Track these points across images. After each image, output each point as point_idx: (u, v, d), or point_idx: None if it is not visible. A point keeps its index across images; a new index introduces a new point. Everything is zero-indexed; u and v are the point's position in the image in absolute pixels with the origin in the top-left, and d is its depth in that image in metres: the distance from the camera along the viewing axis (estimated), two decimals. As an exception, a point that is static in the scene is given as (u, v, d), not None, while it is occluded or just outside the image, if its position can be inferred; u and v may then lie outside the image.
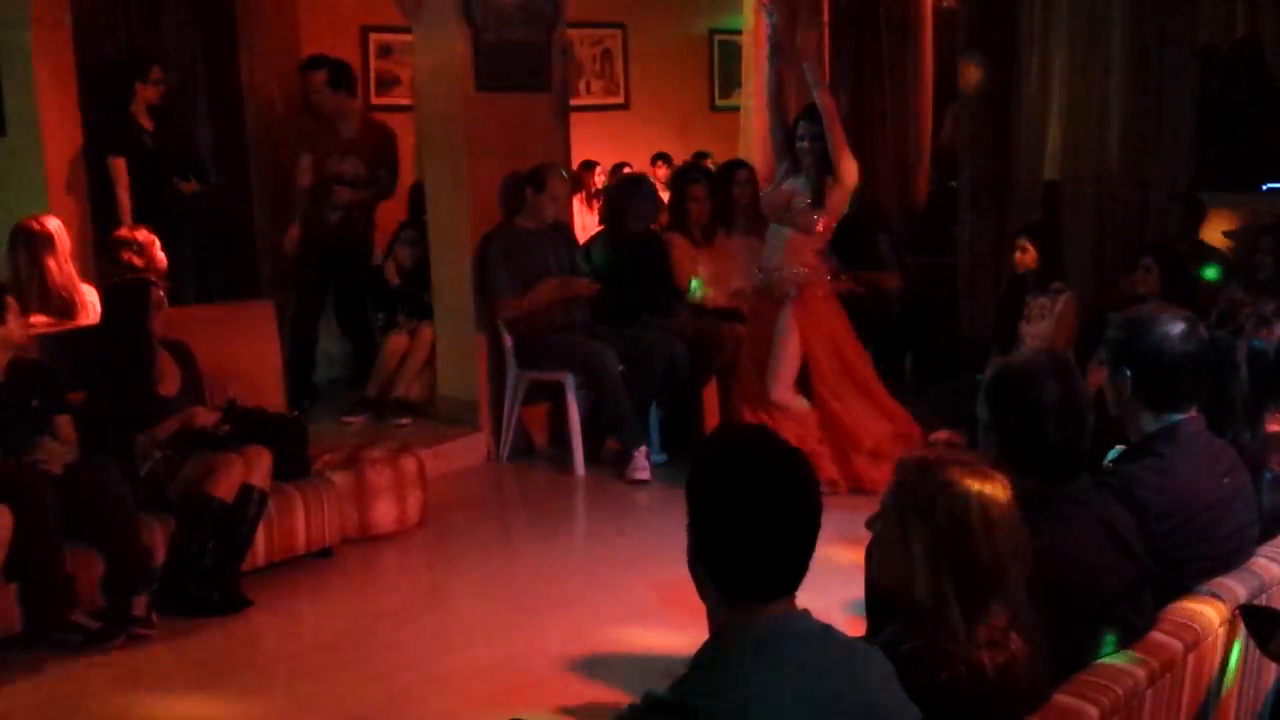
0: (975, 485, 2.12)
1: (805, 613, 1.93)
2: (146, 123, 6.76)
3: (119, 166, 6.65)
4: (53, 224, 5.68)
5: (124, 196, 6.64)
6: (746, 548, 1.89)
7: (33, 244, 5.55)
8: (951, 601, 2.09)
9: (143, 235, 5.79)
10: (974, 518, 2.10)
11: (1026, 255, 6.24)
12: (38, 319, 5.45)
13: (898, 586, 2.16)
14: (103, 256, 5.98)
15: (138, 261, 5.66)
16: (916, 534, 2.12)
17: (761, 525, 1.88)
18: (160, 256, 5.75)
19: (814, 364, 5.99)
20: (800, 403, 5.99)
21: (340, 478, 5.35)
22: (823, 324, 6.03)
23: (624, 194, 7.13)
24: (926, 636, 2.08)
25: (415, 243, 7.42)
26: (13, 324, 4.58)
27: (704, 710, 1.81)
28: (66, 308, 5.58)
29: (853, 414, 5.98)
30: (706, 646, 1.91)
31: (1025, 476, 2.49)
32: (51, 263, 5.58)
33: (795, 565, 1.91)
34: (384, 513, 5.52)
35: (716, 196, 7.14)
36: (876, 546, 2.20)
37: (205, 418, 4.93)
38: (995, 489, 2.13)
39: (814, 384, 6.00)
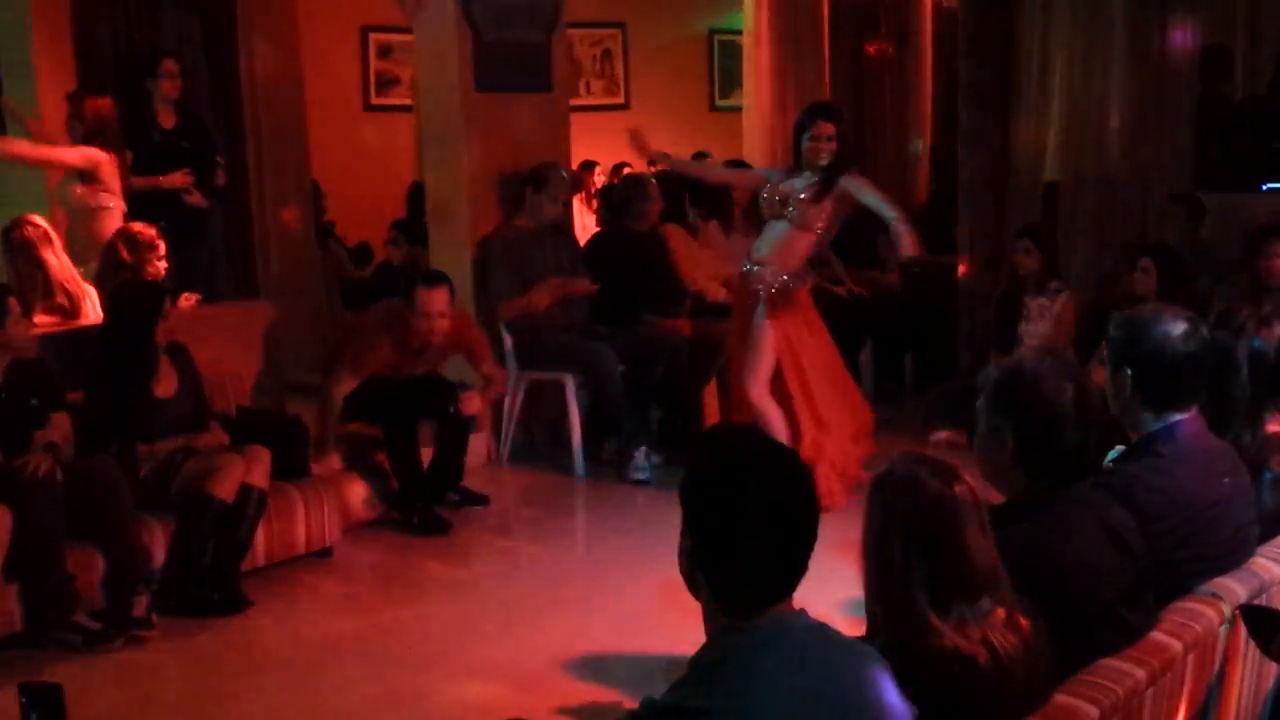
0: (944, 485, 2.13)
1: (802, 612, 1.93)
2: (166, 120, 6.69)
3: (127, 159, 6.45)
4: (43, 221, 5.69)
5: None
6: (743, 553, 1.88)
7: (30, 242, 5.55)
8: (935, 601, 2.09)
9: (148, 236, 5.79)
10: (946, 517, 2.11)
11: (1029, 257, 6.25)
12: (43, 319, 5.45)
13: (885, 588, 2.16)
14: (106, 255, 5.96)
15: (126, 256, 5.64)
16: (894, 536, 2.13)
17: (758, 530, 1.86)
18: (158, 264, 5.72)
19: (786, 371, 5.70)
20: (776, 412, 5.66)
21: (340, 477, 5.36)
22: (797, 330, 5.74)
23: (624, 194, 7.15)
24: (920, 636, 2.09)
25: (396, 243, 7.50)
26: (10, 327, 4.57)
27: (703, 713, 1.80)
28: (72, 304, 5.58)
29: (822, 421, 5.73)
30: (704, 649, 1.90)
31: (1038, 479, 2.49)
32: (51, 258, 5.59)
33: (793, 569, 1.90)
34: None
35: (716, 196, 7.19)
36: (861, 550, 2.21)
37: (213, 439, 4.93)
38: (963, 488, 2.14)
39: (788, 389, 5.72)
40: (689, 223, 7.28)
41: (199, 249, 6.75)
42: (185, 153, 6.67)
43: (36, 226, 5.62)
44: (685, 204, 7.38)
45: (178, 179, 6.55)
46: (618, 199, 7.15)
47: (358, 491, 5.58)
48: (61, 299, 5.59)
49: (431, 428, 5.78)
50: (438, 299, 5.51)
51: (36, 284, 5.52)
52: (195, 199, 6.61)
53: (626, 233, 6.83)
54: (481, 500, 5.89)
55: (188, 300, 6.05)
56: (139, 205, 6.39)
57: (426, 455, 5.74)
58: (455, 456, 5.81)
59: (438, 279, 5.62)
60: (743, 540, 1.87)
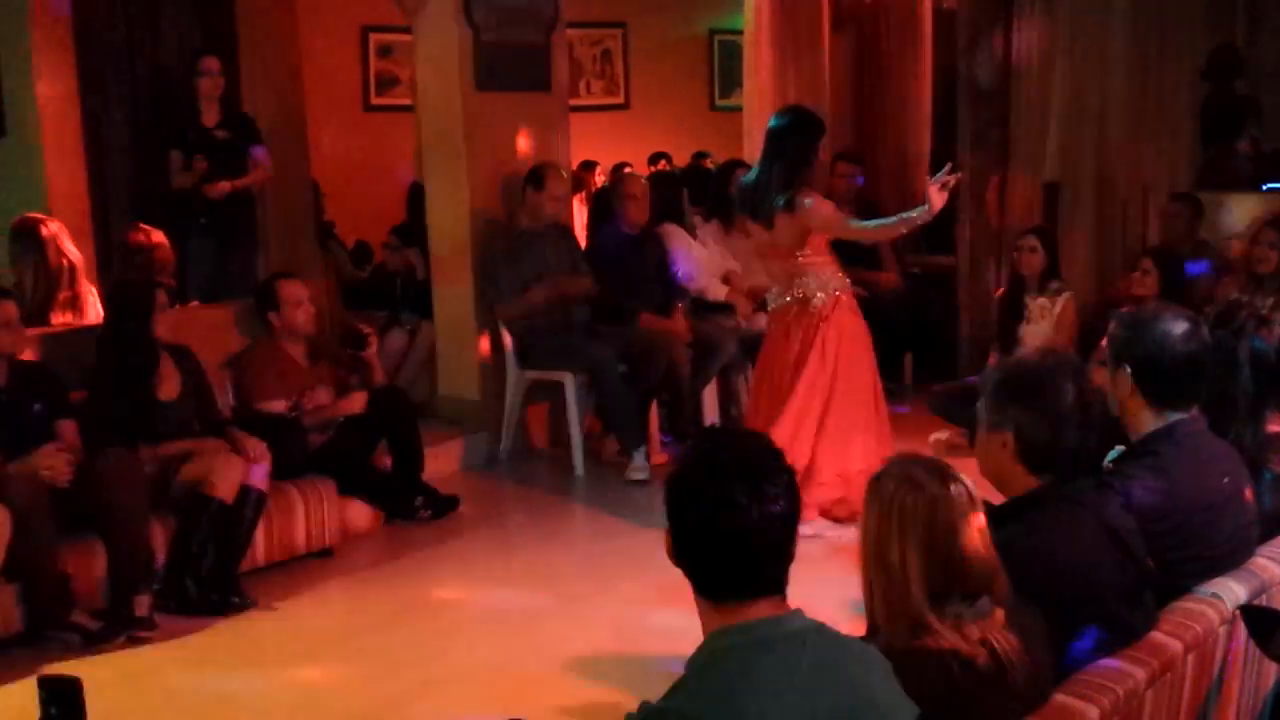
0: (940, 485, 2.14)
1: (798, 612, 1.93)
2: (209, 118, 6.68)
3: (173, 159, 6.58)
4: (54, 220, 5.69)
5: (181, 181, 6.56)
6: (716, 555, 1.90)
7: (49, 240, 5.54)
8: (933, 601, 2.09)
9: (154, 236, 5.78)
10: (943, 517, 2.11)
11: (1034, 255, 6.25)
12: (60, 318, 5.45)
13: (883, 588, 2.16)
14: (115, 254, 5.98)
15: (133, 255, 5.69)
16: (892, 536, 2.13)
17: (728, 535, 1.88)
18: (160, 260, 5.74)
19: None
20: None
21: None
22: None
23: (607, 194, 7.19)
24: (919, 636, 2.09)
25: (395, 248, 7.51)
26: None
27: (700, 715, 1.80)
28: (78, 302, 5.56)
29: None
30: (699, 652, 1.91)
31: (1038, 478, 2.50)
32: (64, 255, 5.59)
33: (770, 571, 1.92)
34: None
35: (717, 195, 7.20)
36: (859, 551, 2.22)
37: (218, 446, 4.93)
38: (959, 488, 2.14)
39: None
40: (687, 222, 7.30)
41: (232, 254, 6.76)
42: (219, 144, 6.63)
43: (49, 224, 5.62)
44: (684, 203, 7.39)
45: (220, 187, 6.50)
46: (604, 199, 7.19)
47: (357, 507, 5.54)
48: (68, 299, 5.58)
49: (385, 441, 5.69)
50: (296, 287, 5.52)
51: (43, 283, 5.51)
52: (212, 191, 6.52)
53: (623, 232, 6.84)
54: (452, 504, 5.79)
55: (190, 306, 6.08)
56: (178, 207, 6.45)
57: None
58: (411, 459, 5.70)
59: (288, 274, 5.74)
60: (713, 542, 1.90)
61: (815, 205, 5.19)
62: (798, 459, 5.16)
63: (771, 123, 5.38)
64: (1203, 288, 6.08)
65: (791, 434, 5.17)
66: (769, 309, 5.54)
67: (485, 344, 6.67)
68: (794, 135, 5.26)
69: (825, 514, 5.31)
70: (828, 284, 5.31)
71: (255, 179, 6.71)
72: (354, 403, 5.47)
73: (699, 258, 7.03)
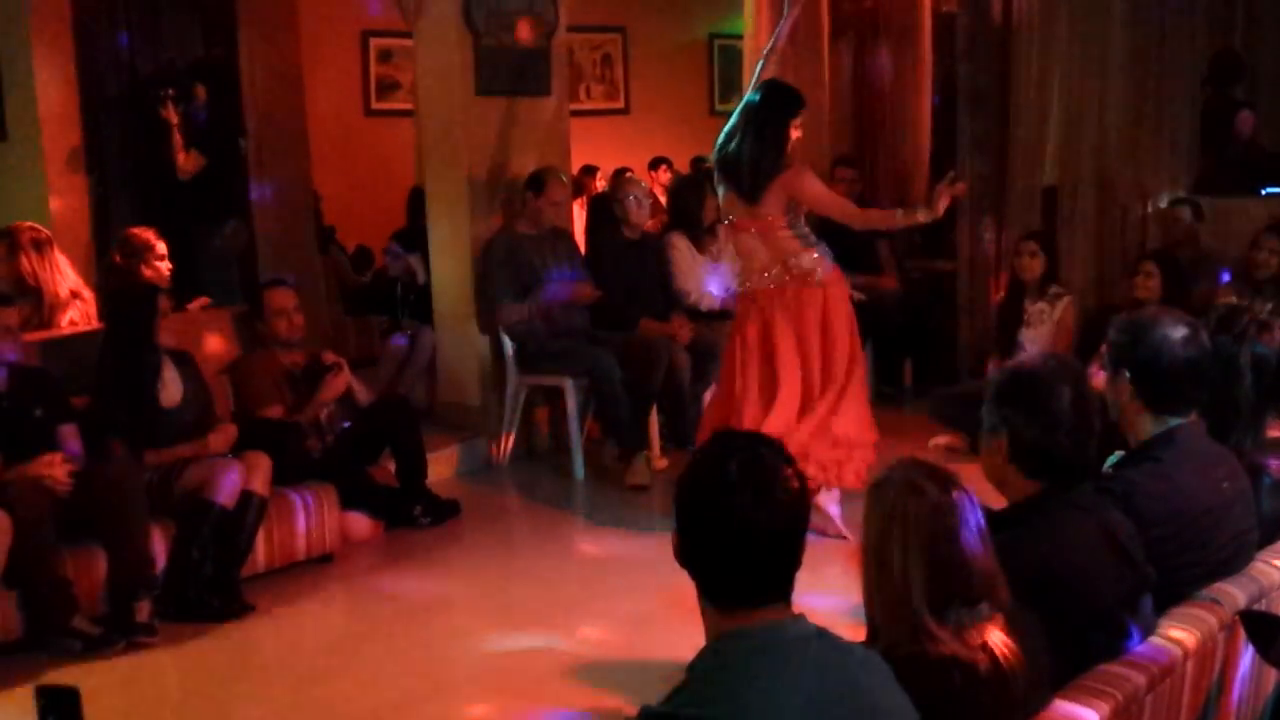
0: (941, 491, 2.14)
1: (800, 617, 1.93)
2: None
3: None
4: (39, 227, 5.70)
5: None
6: (724, 559, 1.91)
7: (41, 245, 5.54)
8: (933, 607, 2.10)
9: (144, 239, 5.79)
10: (944, 523, 2.12)
11: (1035, 259, 6.25)
12: (70, 319, 5.46)
13: (883, 593, 2.17)
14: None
15: (120, 260, 5.71)
16: (892, 541, 2.13)
17: (736, 539, 1.89)
18: (158, 265, 5.75)
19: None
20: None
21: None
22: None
23: (606, 200, 7.17)
24: (918, 642, 2.09)
25: (396, 253, 7.53)
26: None
27: (700, 719, 1.81)
28: (54, 303, 5.56)
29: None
30: (701, 655, 1.91)
31: (1034, 481, 2.50)
32: (60, 260, 5.60)
33: (777, 577, 1.92)
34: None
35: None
36: (860, 556, 2.22)
37: (218, 444, 4.92)
38: (960, 493, 2.15)
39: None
40: (699, 230, 7.13)
41: (211, 259, 6.79)
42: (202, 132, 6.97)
43: (38, 229, 5.63)
44: (704, 208, 7.15)
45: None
46: (604, 204, 7.16)
47: (358, 517, 5.53)
48: (74, 301, 5.59)
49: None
50: (282, 296, 5.52)
51: (46, 287, 5.51)
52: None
53: (623, 237, 6.83)
54: (453, 509, 5.78)
55: (199, 303, 6.08)
56: (169, 208, 6.52)
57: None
58: (415, 467, 5.70)
59: (277, 282, 5.76)
60: (722, 547, 1.90)
61: (808, 179, 5.16)
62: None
63: (748, 96, 5.34)
64: (1203, 295, 6.08)
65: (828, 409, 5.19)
66: (743, 285, 5.39)
67: (485, 349, 6.67)
68: (768, 112, 5.20)
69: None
70: (823, 258, 5.26)
71: (180, 152, 6.95)
72: (338, 385, 5.47)
73: (699, 274, 6.97)
